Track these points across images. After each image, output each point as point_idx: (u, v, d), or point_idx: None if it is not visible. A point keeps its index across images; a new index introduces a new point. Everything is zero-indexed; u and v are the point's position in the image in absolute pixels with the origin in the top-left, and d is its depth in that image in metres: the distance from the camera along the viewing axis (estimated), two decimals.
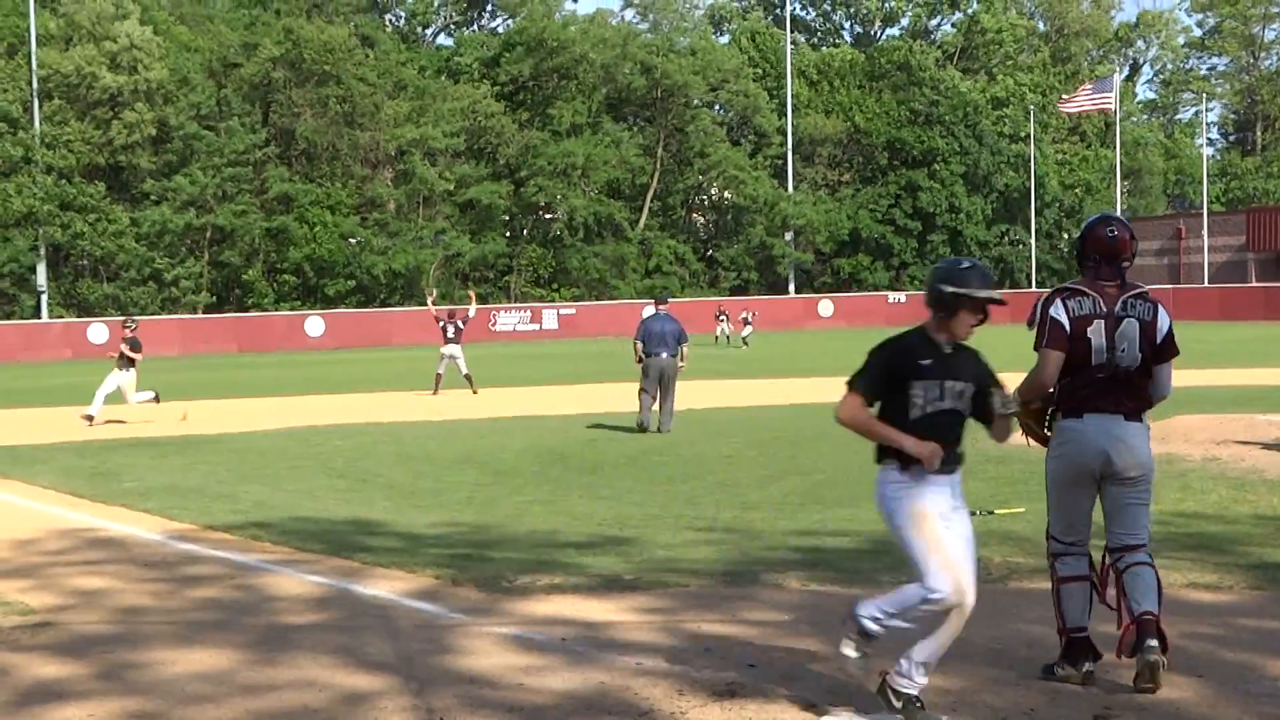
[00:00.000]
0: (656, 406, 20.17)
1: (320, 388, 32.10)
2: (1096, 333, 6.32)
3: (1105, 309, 6.36)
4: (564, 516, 11.95)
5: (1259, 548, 9.67)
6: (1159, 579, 6.36)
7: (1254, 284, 75.88)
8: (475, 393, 28.35)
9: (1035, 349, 6.40)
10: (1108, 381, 6.32)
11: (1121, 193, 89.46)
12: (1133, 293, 6.42)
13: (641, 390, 20.09)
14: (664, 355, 20.00)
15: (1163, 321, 6.45)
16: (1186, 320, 69.07)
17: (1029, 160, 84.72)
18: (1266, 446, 15.21)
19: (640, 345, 20.21)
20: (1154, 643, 6.17)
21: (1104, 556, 6.46)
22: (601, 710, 5.98)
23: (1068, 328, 6.32)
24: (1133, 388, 6.34)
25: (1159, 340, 6.40)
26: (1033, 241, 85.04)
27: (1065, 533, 6.37)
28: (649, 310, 22.03)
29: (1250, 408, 20.59)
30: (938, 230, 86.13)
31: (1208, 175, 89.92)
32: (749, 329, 52.68)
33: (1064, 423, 6.35)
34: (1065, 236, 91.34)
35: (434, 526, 11.39)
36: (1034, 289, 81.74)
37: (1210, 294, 73.71)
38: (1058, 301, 6.40)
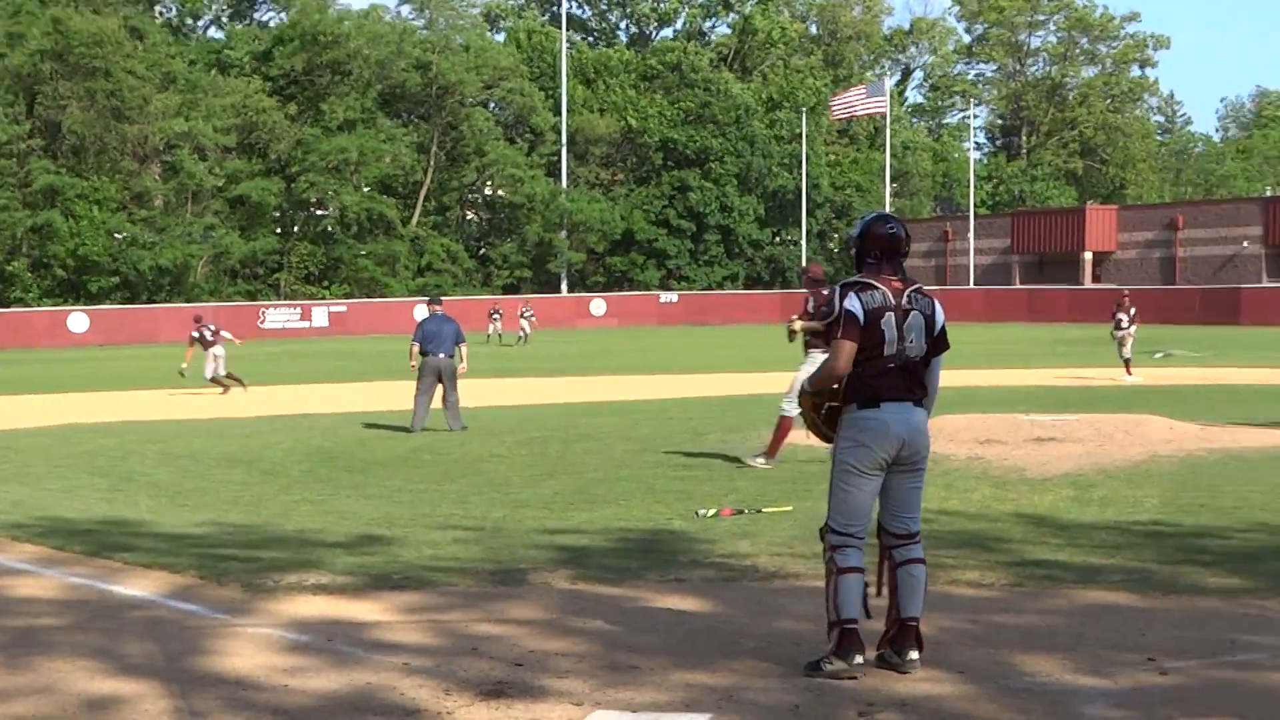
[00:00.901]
0: (440, 405, 20.17)
1: (84, 385, 31.42)
2: (889, 324, 6.54)
3: (894, 302, 6.59)
4: (332, 516, 11.85)
5: (1019, 545, 10.00)
6: (926, 579, 6.62)
7: (1018, 286, 79.12)
8: (225, 392, 28.10)
9: (831, 339, 6.55)
10: (899, 371, 6.55)
11: (890, 194, 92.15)
12: (914, 287, 6.68)
13: (418, 394, 20.03)
14: (441, 356, 20.03)
15: (939, 316, 6.73)
16: (953, 321, 71.08)
17: (801, 161, 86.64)
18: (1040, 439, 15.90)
19: (417, 347, 20.20)
20: (914, 655, 6.49)
21: (883, 546, 6.65)
22: (367, 711, 5.95)
23: (862, 319, 6.52)
24: (918, 377, 6.61)
25: (936, 333, 6.67)
26: (804, 242, 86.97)
27: (849, 523, 6.49)
28: (421, 311, 22.00)
29: (1014, 407, 21.35)
30: (711, 230, 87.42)
31: (974, 179, 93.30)
32: (527, 327, 52.59)
33: (861, 413, 6.50)
34: (836, 237, 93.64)
35: (199, 526, 11.22)
36: (805, 289, 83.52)
37: (976, 295, 76.61)
38: (851, 294, 6.59)
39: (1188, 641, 7.05)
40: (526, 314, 53.83)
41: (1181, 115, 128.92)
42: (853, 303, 6.52)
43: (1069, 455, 15.10)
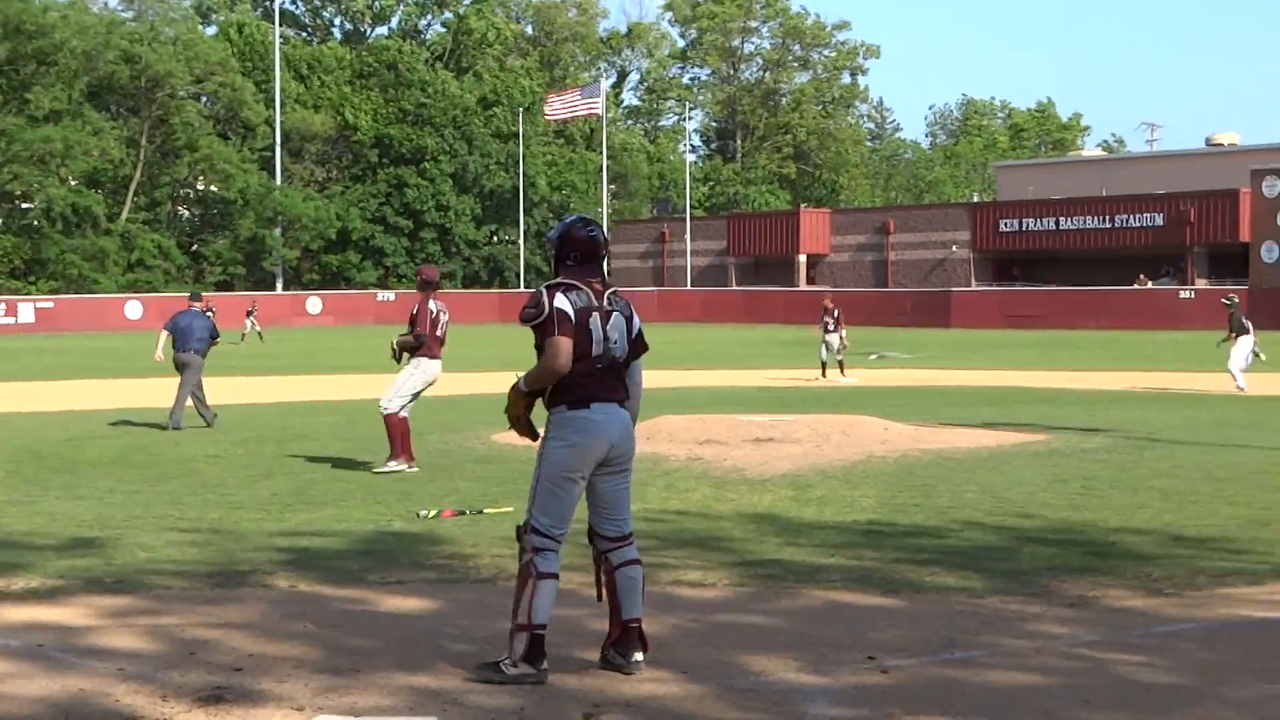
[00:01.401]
0: (190, 404, 20.10)
1: None
2: (595, 325, 6.60)
3: (596, 303, 6.64)
4: (41, 517, 11.50)
5: (740, 545, 10.16)
6: (643, 579, 6.69)
7: (734, 287, 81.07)
8: None
9: (544, 340, 6.51)
10: (607, 372, 6.61)
11: (608, 195, 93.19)
12: (611, 289, 6.77)
13: (179, 390, 20.05)
14: (190, 352, 20.03)
15: (636, 318, 6.82)
16: (671, 322, 72.89)
17: (519, 161, 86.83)
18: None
19: (165, 337, 20.26)
20: (639, 656, 6.56)
21: (598, 551, 6.70)
22: (81, 718, 5.82)
23: (573, 318, 6.53)
24: (622, 379, 6.69)
25: (635, 335, 6.76)
26: (522, 241, 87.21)
27: (555, 526, 6.49)
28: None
29: (732, 408, 21.84)
30: (428, 229, 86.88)
31: (690, 181, 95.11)
32: (252, 325, 52.42)
33: (571, 413, 6.52)
34: None
35: None
36: (523, 289, 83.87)
37: (693, 297, 78.14)
38: (559, 294, 6.60)
39: (907, 640, 7.24)
40: (251, 312, 53.79)
41: (891, 122, 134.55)
42: (562, 302, 6.55)
43: (787, 456, 15.45)
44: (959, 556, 9.68)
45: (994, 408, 22.93)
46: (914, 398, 25.48)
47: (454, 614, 7.86)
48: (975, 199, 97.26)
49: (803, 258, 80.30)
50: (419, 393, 15.04)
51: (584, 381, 6.54)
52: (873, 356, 40.37)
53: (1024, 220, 72.35)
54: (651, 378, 28.74)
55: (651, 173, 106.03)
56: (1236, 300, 28.62)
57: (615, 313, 6.68)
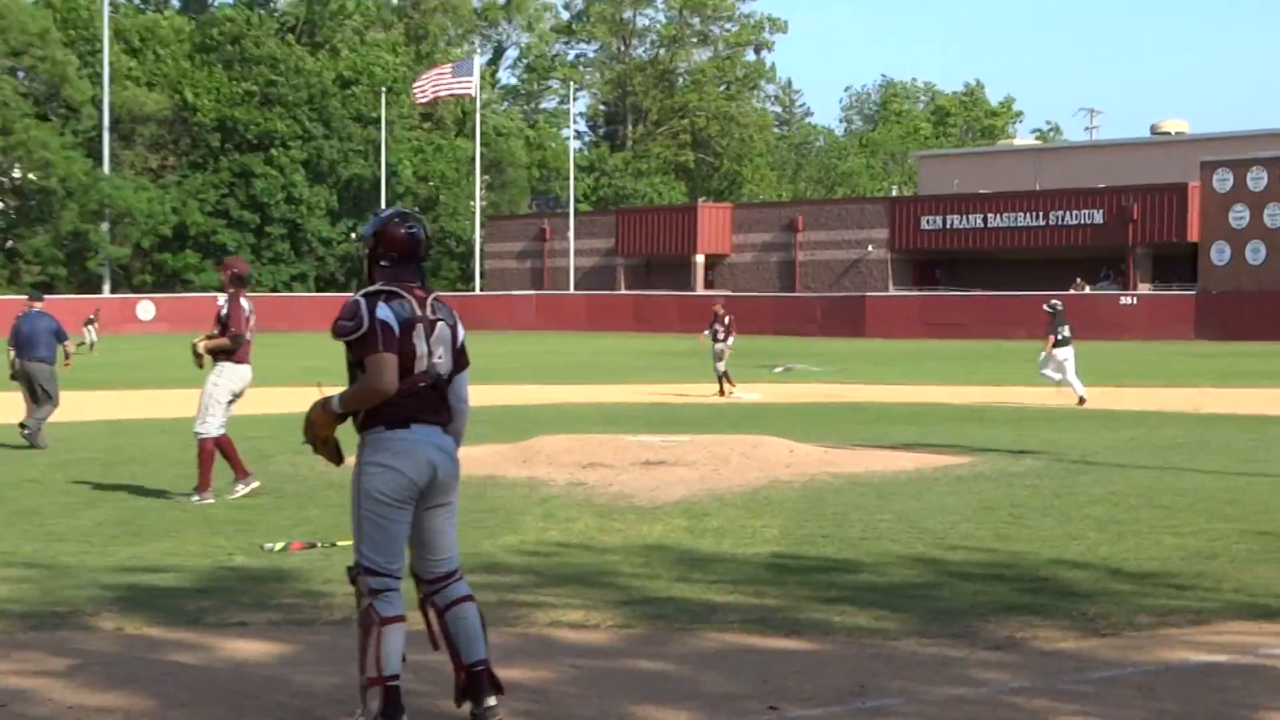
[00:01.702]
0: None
1: None
2: (419, 337, 6.59)
3: (419, 312, 6.64)
4: None
5: (628, 581, 10.18)
6: (482, 616, 6.69)
7: (623, 291, 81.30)
8: None
9: (364, 357, 6.46)
10: (430, 390, 6.61)
11: (481, 187, 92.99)
12: (434, 296, 6.77)
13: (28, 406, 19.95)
14: (35, 360, 19.91)
15: (460, 326, 6.84)
16: (552, 330, 72.89)
17: (380, 147, 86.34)
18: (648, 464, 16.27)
19: (13, 352, 20.04)
20: (493, 701, 6.56)
21: (423, 595, 6.68)
22: None
23: (397, 330, 6.51)
24: (445, 397, 6.71)
25: (458, 346, 6.78)
26: None
27: (389, 562, 6.47)
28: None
29: (619, 427, 21.89)
30: (276, 224, 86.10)
31: (575, 171, 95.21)
32: (93, 333, 52.54)
33: (390, 434, 6.49)
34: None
35: None
36: None
37: (577, 301, 78.32)
38: (380, 303, 6.56)
39: (814, 688, 7.29)
40: (92, 320, 53.82)
41: (801, 105, 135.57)
42: (384, 312, 6.52)
43: (681, 480, 15.51)
44: (872, 594, 9.76)
45: (913, 427, 23.20)
46: (824, 415, 25.71)
47: (303, 660, 7.81)
48: (894, 193, 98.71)
49: (700, 258, 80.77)
50: (230, 403, 14.85)
51: (405, 401, 6.52)
52: (778, 369, 40.67)
53: (948, 217, 73.41)
54: (529, 393, 28.82)
55: (531, 161, 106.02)
56: (1060, 306, 29.40)
57: (440, 323, 6.68)
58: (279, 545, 11.57)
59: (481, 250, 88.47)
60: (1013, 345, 55.37)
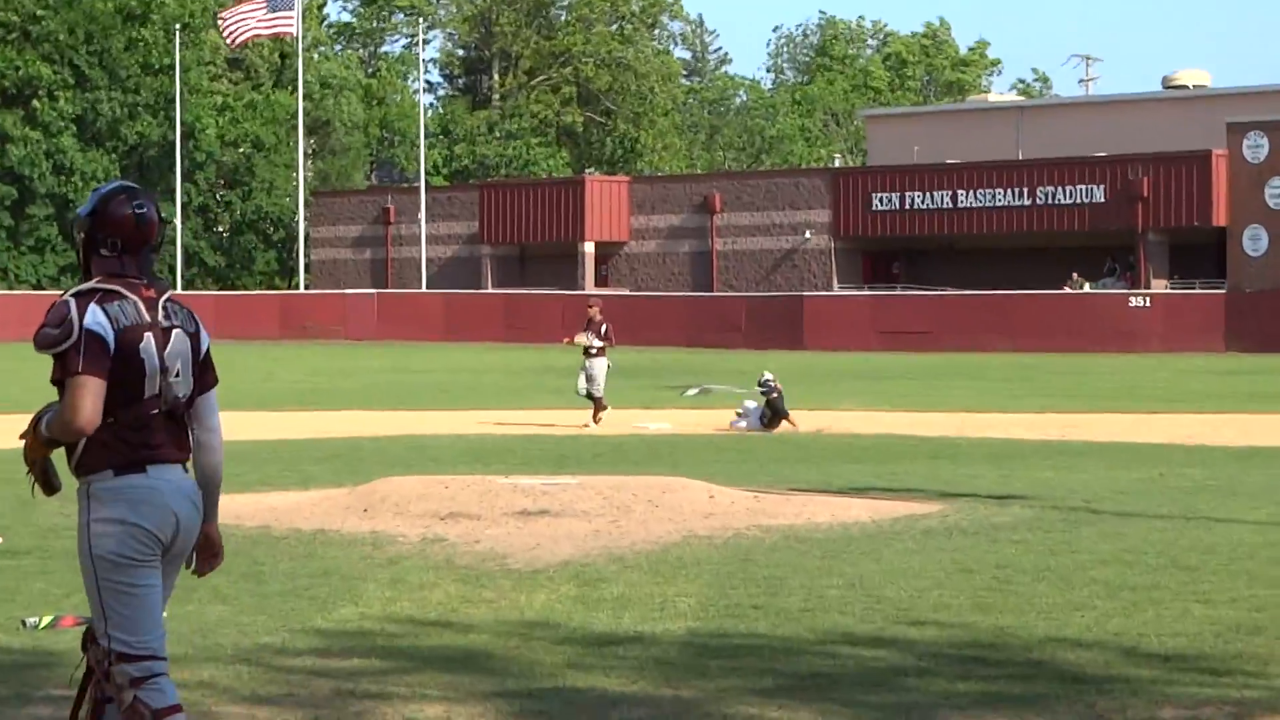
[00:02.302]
0: None
1: None
2: (149, 351, 6.47)
3: (148, 318, 6.53)
4: None
5: (501, 666, 10.15)
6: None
7: (490, 290, 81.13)
8: None
9: (66, 376, 6.35)
10: (165, 419, 6.52)
11: (307, 153, 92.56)
12: (168, 296, 6.67)
13: None
14: None
15: (204, 333, 6.70)
16: (399, 340, 72.63)
17: (175, 102, 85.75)
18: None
19: None
20: None
21: (99, 671, 6.52)
22: None
23: (112, 344, 6.39)
24: (185, 427, 6.63)
25: (201, 360, 6.68)
26: (179, 220, 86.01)
27: (146, 639, 6.41)
28: None
29: (487, 465, 21.97)
30: (39, 201, 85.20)
31: (426, 134, 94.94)
32: None
33: (120, 481, 6.42)
34: (227, 214, 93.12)
35: None
36: (180, 288, 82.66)
37: (432, 303, 78.08)
38: (94, 307, 6.42)
39: None
40: None
41: (716, 51, 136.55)
42: (96, 319, 6.40)
43: (570, 535, 15.46)
44: (817, 683, 9.72)
45: (868, 465, 23.30)
46: (753, 451, 25.82)
47: None
48: (837, 163, 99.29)
49: (589, 247, 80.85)
50: None
51: (133, 435, 6.43)
52: (691, 391, 40.68)
53: (907, 194, 73.92)
54: (370, 422, 28.79)
55: (370, 121, 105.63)
56: (771, 382, 30.67)
57: (176, 331, 6.59)
58: (45, 620, 11.35)
59: (306, 237, 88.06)
60: (993, 360, 55.87)
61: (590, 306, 33.54)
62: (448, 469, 20.79)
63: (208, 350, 6.70)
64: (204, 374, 6.66)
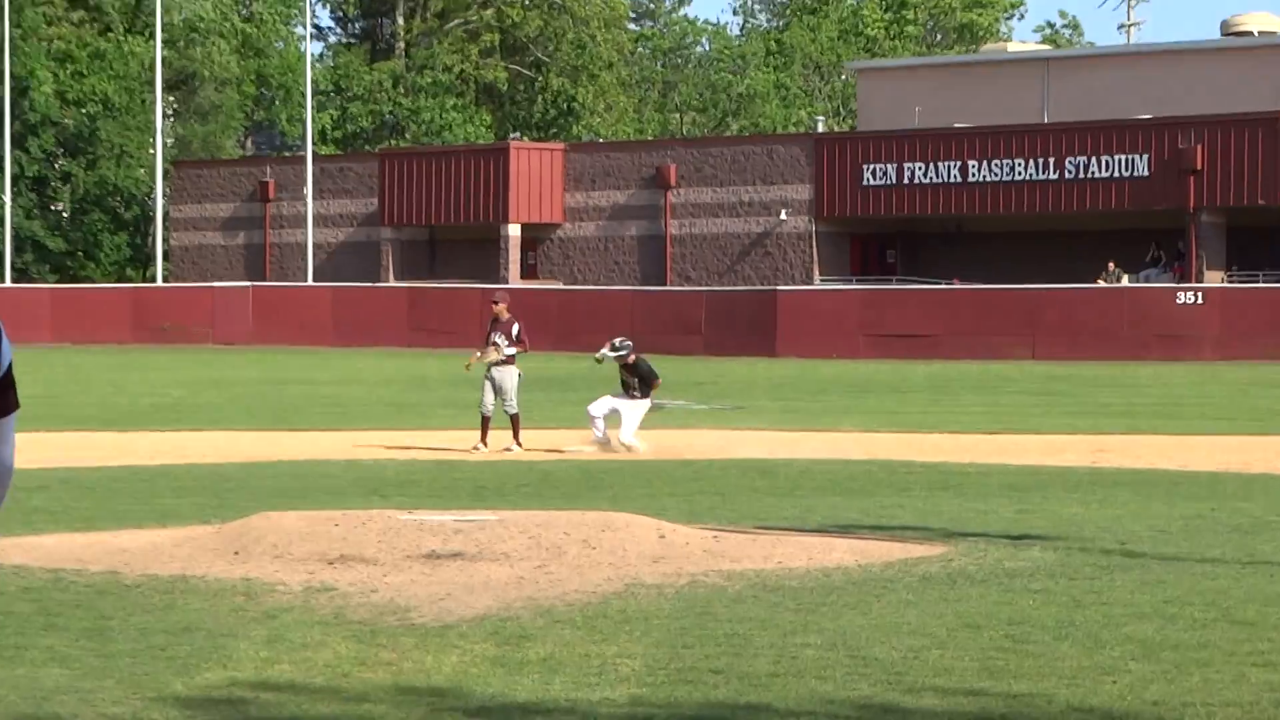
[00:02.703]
0: None
1: None
2: None
3: None
4: None
5: None
6: None
7: (393, 283, 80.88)
8: None
9: None
10: None
11: (167, 114, 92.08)
12: None
13: None
14: None
15: (6, 347, 6.60)
16: (279, 345, 72.39)
17: (1, 50, 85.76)
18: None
19: None
20: None
21: None
22: None
23: None
24: None
25: (1, 376, 6.58)
26: (8, 196, 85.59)
27: None
28: None
29: (385, 498, 22.06)
30: None
31: (314, 92, 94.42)
32: None
33: None
34: (69, 187, 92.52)
35: None
36: (13, 281, 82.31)
37: (318, 299, 77.87)
38: None
39: None
40: None
41: None
42: None
43: (487, 584, 15.49)
44: None
45: (854, 498, 23.38)
46: (713, 480, 25.94)
47: None
48: (820, 127, 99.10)
49: (515, 230, 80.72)
50: None
51: None
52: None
53: (906, 166, 74.01)
54: (243, 444, 28.86)
55: (245, 75, 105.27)
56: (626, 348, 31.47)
57: None
58: None
59: (165, 217, 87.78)
60: (1010, 370, 56.00)
61: (496, 302, 33.18)
62: (338, 502, 20.88)
63: (9, 367, 6.53)
64: (2, 396, 6.50)
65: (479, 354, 32.45)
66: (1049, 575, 16.42)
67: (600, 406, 31.12)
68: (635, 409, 31.20)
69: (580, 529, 17.65)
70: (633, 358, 31.56)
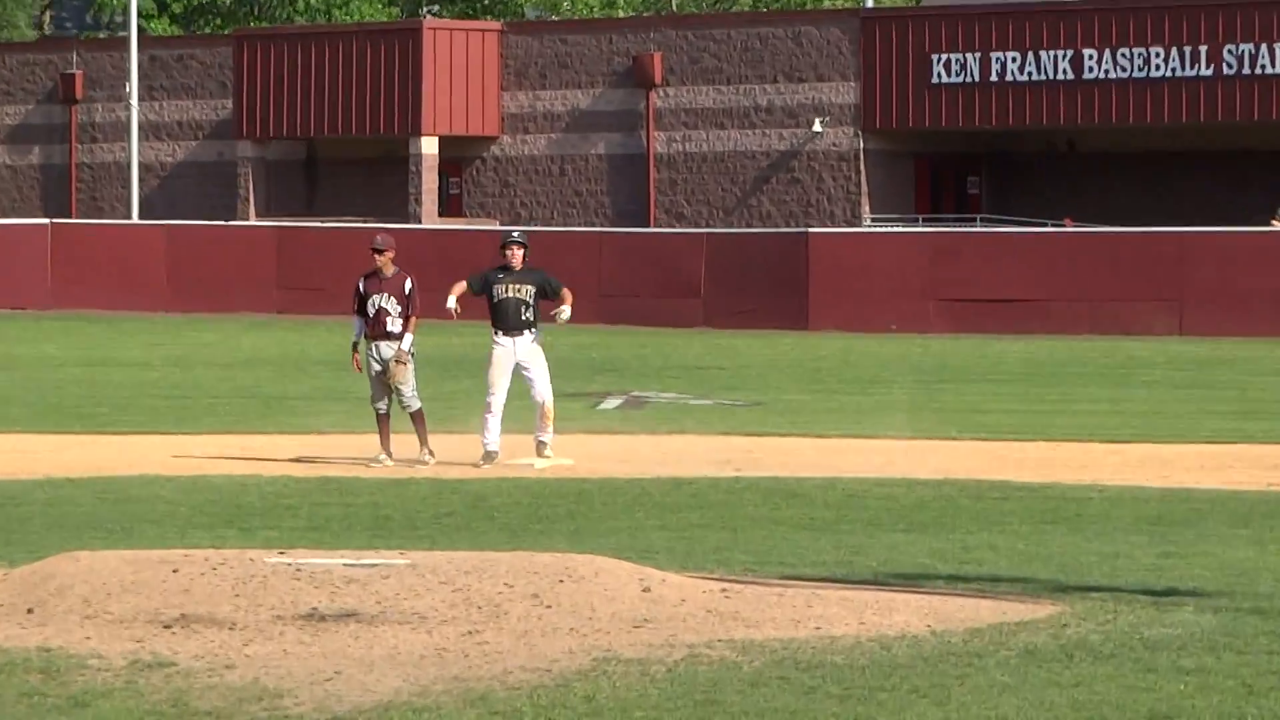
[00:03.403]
0: None
1: None
2: None
3: None
4: None
5: None
6: None
7: (254, 221, 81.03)
8: None
9: None
10: None
11: None
12: None
13: None
14: None
15: None
16: (81, 310, 72.59)
17: None
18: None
19: None
20: None
21: None
22: None
23: None
24: None
25: None
26: None
27: None
28: None
29: (247, 534, 22.33)
30: None
31: None
32: None
33: None
34: None
35: None
36: None
37: (149, 244, 77.98)
38: None
39: None
40: None
41: None
42: None
43: (393, 657, 15.46)
44: None
45: (921, 535, 23.48)
46: (719, 508, 25.98)
47: None
48: (870, 1, 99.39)
49: (430, 145, 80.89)
50: None
51: None
52: (612, 403, 40.84)
53: (994, 56, 74.29)
54: (33, 450, 29.04)
55: None
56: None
57: None
58: None
59: None
60: (1144, 348, 56.21)
61: (378, 250, 32.76)
62: (177, 537, 20.85)
63: None
64: None
65: (358, 349, 32.36)
66: (1207, 648, 16.39)
67: (498, 390, 31.56)
68: (540, 358, 31.77)
69: (528, 578, 17.59)
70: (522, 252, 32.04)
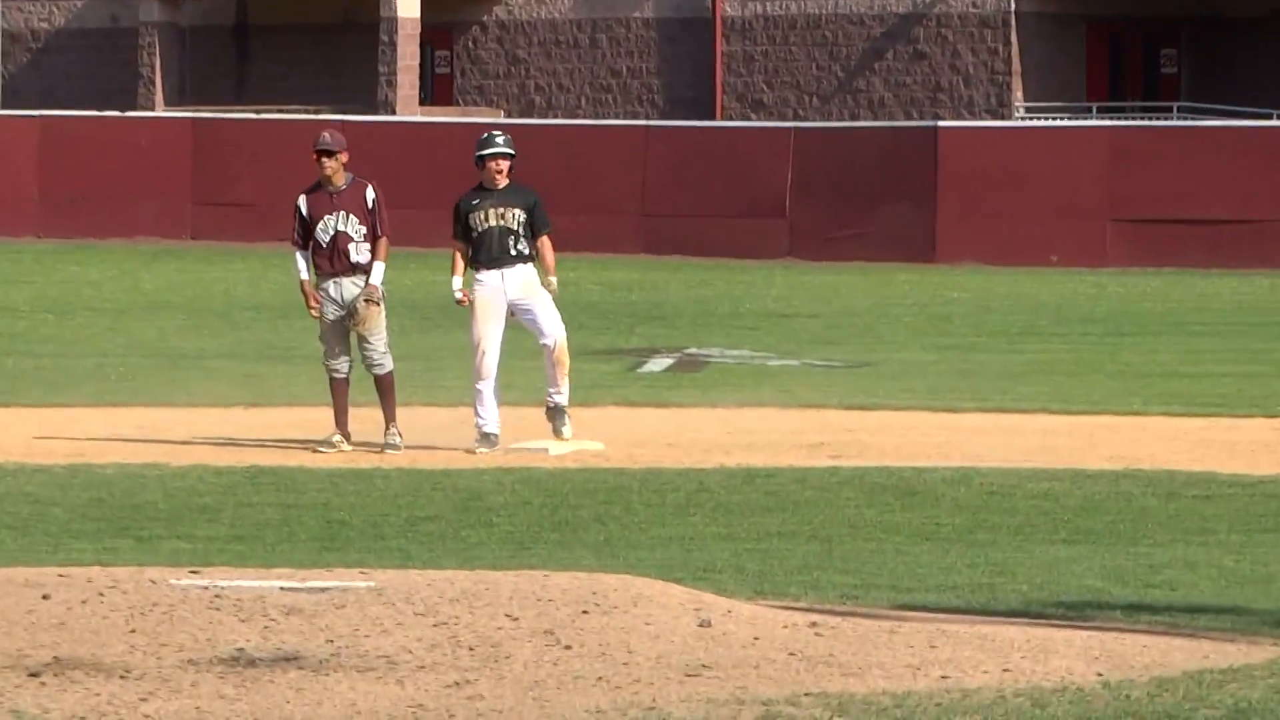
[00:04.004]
0: None
1: None
2: None
3: None
4: None
5: None
6: None
7: (163, 111, 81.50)
8: None
9: None
10: None
11: None
12: None
13: None
14: None
15: None
16: None
17: None
18: None
19: None
20: None
21: None
22: None
23: None
24: None
25: None
26: None
27: None
28: None
29: (148, 539, 22.59)
30: None
31: None
32: None
33: None
34: None
35: None
36: None
37: (20, 141, 78.65)
38: None
39: None
40: None
41: None
42: None
43: (353, 716, 15.46)
44: None
45: (1092, 548, 23.58)
46: (805, 510, 26.21)
47: None
48: None
49: (409, 7, 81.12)
50: None
51: None
52: (660, 363, 41.03)
53: None
54: None
55: None
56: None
57: None
58: None
59: None
60: None
61: (325, 153, 32.66)
62: (47, 551, 20.89)
63: None
64: None
65: (310, 290, 32.41)
66: None
67: (489, 346, 31.97)
68: (538, 290, 32.32)
69: (539, 608, 17.64)
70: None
